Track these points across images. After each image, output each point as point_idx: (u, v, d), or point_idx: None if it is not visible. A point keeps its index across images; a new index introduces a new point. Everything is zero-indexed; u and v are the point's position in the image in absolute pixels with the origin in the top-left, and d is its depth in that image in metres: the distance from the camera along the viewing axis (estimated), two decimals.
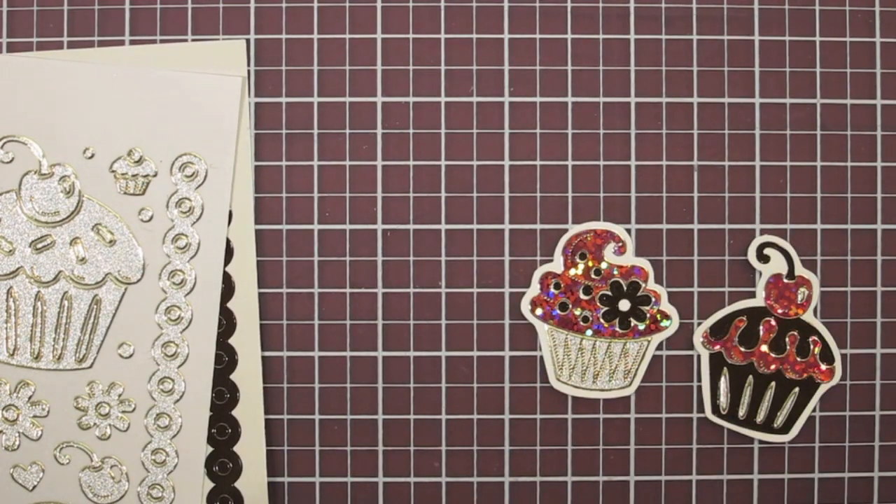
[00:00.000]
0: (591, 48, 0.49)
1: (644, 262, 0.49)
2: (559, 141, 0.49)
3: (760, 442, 0.49)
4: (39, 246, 0.47)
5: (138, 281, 0.48)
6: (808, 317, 0.49)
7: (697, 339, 0.49)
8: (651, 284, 0.49)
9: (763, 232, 0.49)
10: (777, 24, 0.49)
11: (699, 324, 0.49)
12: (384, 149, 0.49)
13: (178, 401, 0.48)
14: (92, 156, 0.48)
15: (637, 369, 0.49)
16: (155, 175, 0.48)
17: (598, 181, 0.49)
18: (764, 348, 0.49)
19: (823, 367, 0.49)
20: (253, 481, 0.49)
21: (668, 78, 0.49)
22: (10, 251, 0.47)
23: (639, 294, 0.49)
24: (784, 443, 0.49)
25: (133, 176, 0.48)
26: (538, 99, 0.49)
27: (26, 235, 0.48)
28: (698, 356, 0.49)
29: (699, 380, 0.49)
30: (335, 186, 0.49)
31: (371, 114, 0.49)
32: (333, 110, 0.49)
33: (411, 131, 0.49)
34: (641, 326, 0.49)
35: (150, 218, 0.48)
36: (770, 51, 0.49)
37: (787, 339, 0.49)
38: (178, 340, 0.48)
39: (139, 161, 0.47)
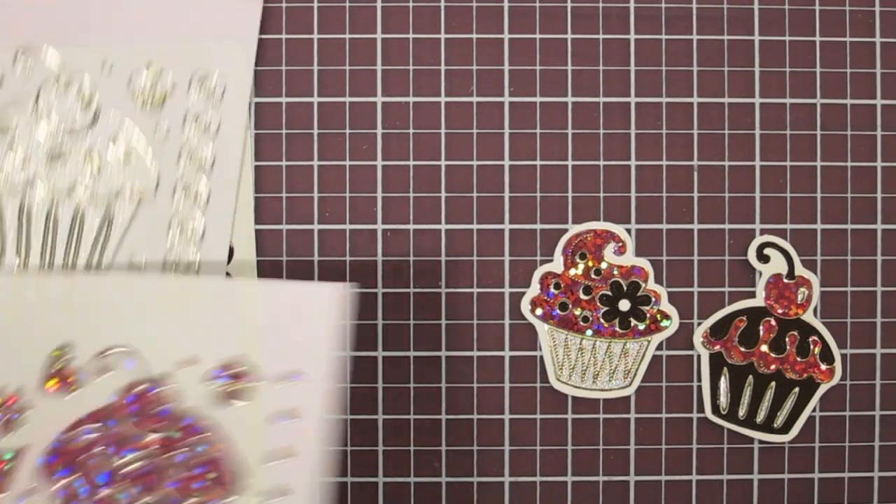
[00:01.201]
0: (591, 48, 0.49)
1: (644, 262, 0.49)
2: (559, 141, 0.49)
3: (760, 442, 0.49)
4: (55, 157, 0.47)
5: (152, 196, 0.48)
6: (808, 317, 0.49)
7: (697, 339, 0.49)
8: (651, 284, 0.49)
9: (763, 232, 0.49)
10: (777, 24, 0.49)
11: (699, 324, 0.49)
12: (384, 149, 0.49)
13: None
14: (111, 68, 0.48)
15: (637, 369, 0.49)
16: (173, 89, 0.48)
17: (598, 181, 0.49)
18: (764, 348, 0.49)
19: (823, 367, 0.49)
20: None
21: (668, 78, 0.49)
22: (25, 160, 0.47)
23: (639, 294, 0.49)
24: (784, 443, 0.49)
25: (151, 89, 0.48)
26: (538, 99, 0.49)
27: (42, 147, 0.47)
28: (698, 356, 0.49)
29: (699, 380, 0.49)
30: (335, 186, 0.49)
31: (371, 114, 0.49)
32: (333, 110, 0.49)
33: (411, 131, 0.49)
34: (641, 326, 0.49)
35: (167, 132, 0.48)
36: (770, 51, 0.49)
37: (787, 339, 0.49)
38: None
39: (158, 75, 0.47)
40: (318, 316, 0.46)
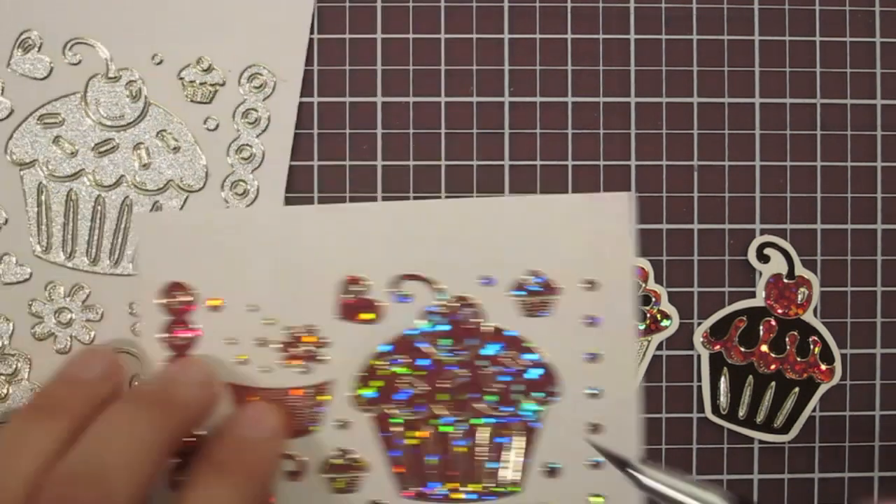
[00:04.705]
0: (591, 48, 0.49)
1: (644, 262, 0.49)
2: (559, 141, 0.49)
3: (760, 442, 0.49)
4: (102, 150, 0.47)
5: (200, 189, 0.48)
6: (808, 317, 0.49)
7: (697, 339, 0.49)
8: (651, 284, 0.49)
9: (763, 232, 0.49)
10: (777, 24, 0.49)
11: (699, 324, 0.49)
12: (384, 149, 0.49)
13: None
14: (160, 62, 0.48)
15: (637, 369, 0.49)
16: (223, 84, 0.48)
17: (598, 181, 0.49)
18: (764, 348, 0.49)
19: (823, 367, 0.49)
20: None
21: (668, 78, 0.49)
22: (73, 153, 0.47)
23: (639, 294, 0.49)
24: (784, 443, 0.49)
25: (201, 84, 0.48)
26: (538, 99, 0.49)
27: (89, 139, 0.48)
28: (698, 356, 0.49)
29: (699, 380, 0.49)
30: (335, 186, 0.48)
31: (371, 114, 0.49)
32: (333, 110, 0.48)
33: (411, 131, 0.49)
34: (641, 326, 0.49)
35: (216, 127, 0.48)
36: (770, 51, 0.49)
37: (787, 339, 0.49)
38: None
39: (207, 70, 0.47)
40: (609, 224, 0.45)
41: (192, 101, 0.48)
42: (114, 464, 0.37)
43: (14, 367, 0.47)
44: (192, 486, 0.40)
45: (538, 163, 0.49)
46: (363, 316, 0.46)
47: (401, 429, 0.46)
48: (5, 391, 0.47)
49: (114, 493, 0.36)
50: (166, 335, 0.46)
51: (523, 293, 0.46)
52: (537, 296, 0.45)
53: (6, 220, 0.47)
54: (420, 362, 0.46)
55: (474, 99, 0.49)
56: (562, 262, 0.46)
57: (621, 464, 0.39)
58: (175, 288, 0.46)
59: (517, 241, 0.46)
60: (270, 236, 0.46)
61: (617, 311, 0.46)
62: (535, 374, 0.46)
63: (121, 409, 0.40)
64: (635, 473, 0.38)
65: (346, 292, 0.46)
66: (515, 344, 0.46)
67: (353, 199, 0.49)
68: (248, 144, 0.48)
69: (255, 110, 0.48)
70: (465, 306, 0.46)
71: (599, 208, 0.46)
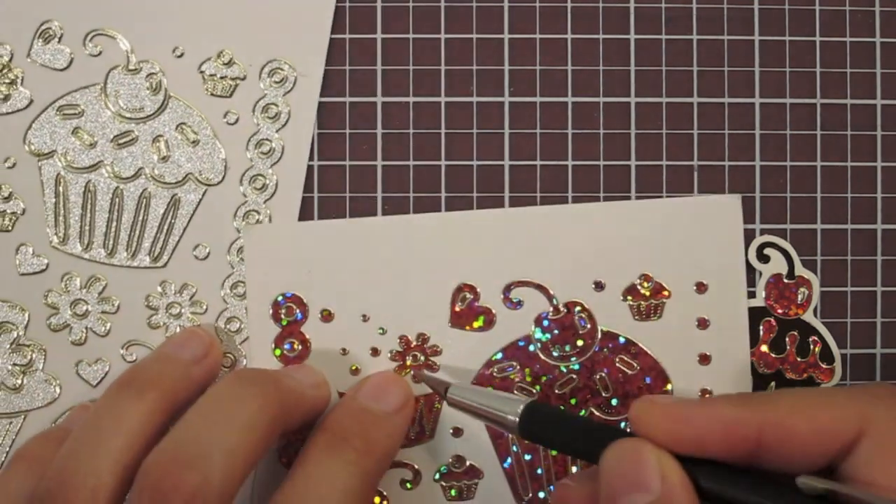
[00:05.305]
0: (591, 48, 0.49)
1: None
2: (559, 141, 0.49)
3: None
4: (121, 141, 0.48)
5: (219, 183, 0.49)
6: (808, 317, 0.49)
7: None
8: None
9: (763, 232, 0.49)
10: (777, 24, 0.49)
11: None
12: (384, 149, 0.49)
13: None
14: (181, 55, 0.49)
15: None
16: (243, 78, 0.49)
17: (599, 181, 0.49)
18: (764, 348, 0.49)
19: (823, 366, 0.49)
20: None
21: (668, 78, 0.49)
22: (92, 145, 0.48)
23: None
24: None
25: (221, 78, 0.49)
26: (538, 99, 0.49)
27: (109, 130, 0.48)
28: None
29: None
30: (335, 187, 0.49)
31: (371, 114, 0.49)
32: (333, 110, 0.49)
33: (411, 131, 0.49)
34: None
35: (236, 121, 0.49)
36: (770, 51, 0.49)
37: (787, 339, 0.49)
38: None
39: (228, 63, 0.48)
40: (720, 227, 0.47)
41: (212, 94, 0.49)
42: (214, 446, 0.35)
43: (29, 357, 0.49)
44: (306, 456, 0.38)
45: (538, 163, 0.49)
46: (475, 324, 0.46)
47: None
48: (20, 382, 0.48)
49: (212, 478, 0.34)
50: (277, 347, 0.46)
51: (634, 298, 0.46)
52: (648, 300, 0.46)
53: (24, 211, 0.48)
54: (533, 368, 0.46)
55: (474, 99, 0.49)
56: (672, 266, 0.46)
57: (442, 387, 0.40)
58: (285, 299, 0.47)
59: (627, 246, 0.47)
60: (381, 246, 0.47)
61: (728, 312, 0.46)
62: (648, 377, 0.46)
63: (225, 387, 0.39)
64: (448, 393, 0.40)
65: (457, 300, 0.46)
66: (627, 348, 0.46)
67: (352, 200, 0.49)
68: (267, 139, 0.49)
69: (276, 105, 0.49)
70: (576, 312, 0.46)
71: (710, 211, 0.47)
